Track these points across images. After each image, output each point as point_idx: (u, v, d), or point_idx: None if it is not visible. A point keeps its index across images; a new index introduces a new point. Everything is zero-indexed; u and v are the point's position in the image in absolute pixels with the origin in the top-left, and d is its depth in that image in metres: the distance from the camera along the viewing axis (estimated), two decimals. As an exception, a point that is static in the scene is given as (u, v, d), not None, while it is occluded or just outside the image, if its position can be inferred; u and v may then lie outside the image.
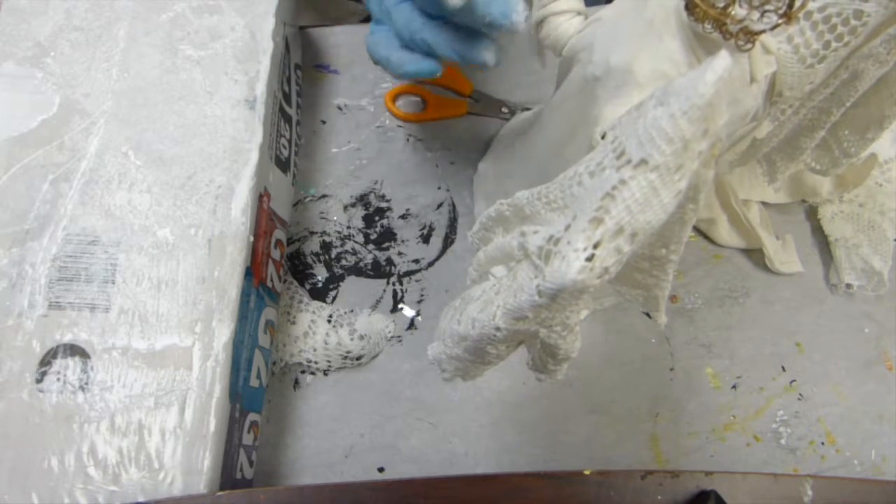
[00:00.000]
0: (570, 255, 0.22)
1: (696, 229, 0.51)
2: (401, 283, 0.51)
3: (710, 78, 0.20)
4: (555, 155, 0.38)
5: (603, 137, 0.29)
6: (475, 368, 0.32)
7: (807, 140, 0.31)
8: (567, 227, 0.23)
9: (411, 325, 0.50)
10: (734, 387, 0.48)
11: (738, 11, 0.26)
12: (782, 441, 0.47)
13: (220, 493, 0.36)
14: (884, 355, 0.49)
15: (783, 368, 0.49)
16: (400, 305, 0.50)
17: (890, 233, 0.50)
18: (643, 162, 0.21)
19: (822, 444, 0.47)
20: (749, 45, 0.27)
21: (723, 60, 0.20)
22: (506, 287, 0.27)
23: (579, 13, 0.36)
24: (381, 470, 0.46)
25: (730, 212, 0.49)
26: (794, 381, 0.48)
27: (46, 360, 0.38)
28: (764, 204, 0.51)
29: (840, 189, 0.50)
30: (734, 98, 0.26)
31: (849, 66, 0.27)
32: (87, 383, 0.37)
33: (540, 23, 0.37)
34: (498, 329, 0.26)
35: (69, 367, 0.38)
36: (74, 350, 0.38)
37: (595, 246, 0.22)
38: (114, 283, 0.39)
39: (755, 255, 0.51)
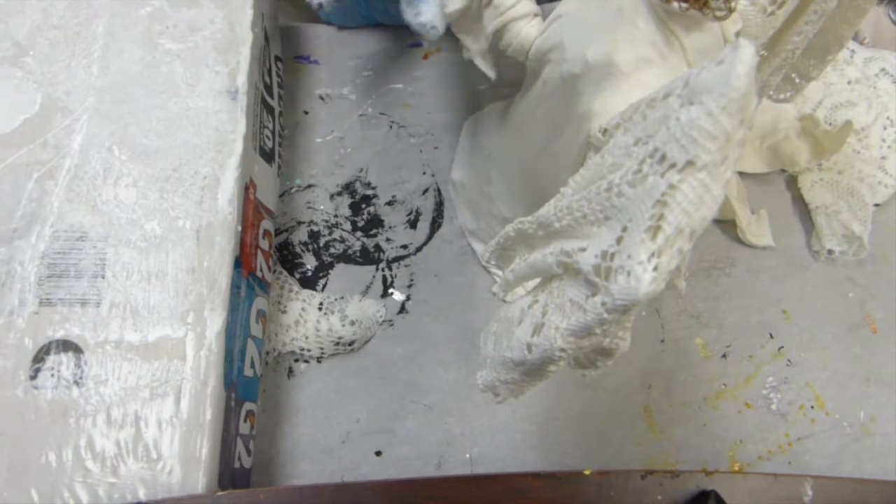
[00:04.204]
0: (636, 269, 0.22)
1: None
2: (390, 269, 0.51)
3: (742, 70, 0.19)
4: (539, 154, 0.39)
5: (604, 133, 0.29)
6: (531, 386, 0.32)
7: (774, 78, 0.32)
8: (619, 240, 0.23)
9: (402, 309, 0.50)
10: (724, 356, 0.49)
11: None
12: (773, 407, 0.47)
13: (221, 493, 0.36)
14: (868, 318, 0.50)
15: (771, 336, 0.49)
16: (390, 290, 0.50)
17: (868, 198, 0.51)
18: (690, 164, 0.21)
19: (812, 407, 0.47)
20: (726, 14, 0.27)
21: (748, 49, 0.20)
22: (554, 306, 0.26)
23: (536, 15, 0.37)
24: (378, 454, 0.46)
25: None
26: (781, 347, 0.49)
27: (40, 357, 0.38)
28: (743, 176, 0.52)
29: (818, 157, 0.51)
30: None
31: (817, 10, 0.27)
32: (81, 378, 0.37)
33: (499, 31, 0.37)
34: (562, 350, 0.26)
35: (63, 363, 0.38)
36: (67, 346, 0.38)
37: (658, 255, 0.22)
38: (104, 277, 0.39)
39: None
